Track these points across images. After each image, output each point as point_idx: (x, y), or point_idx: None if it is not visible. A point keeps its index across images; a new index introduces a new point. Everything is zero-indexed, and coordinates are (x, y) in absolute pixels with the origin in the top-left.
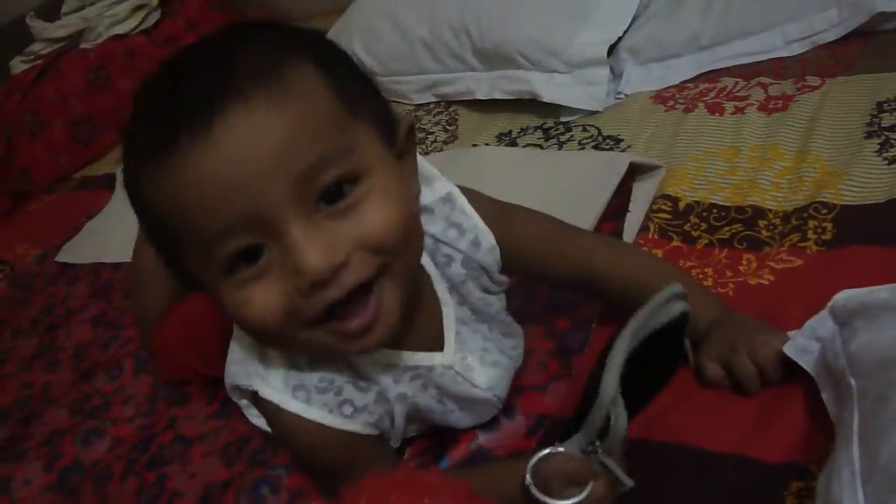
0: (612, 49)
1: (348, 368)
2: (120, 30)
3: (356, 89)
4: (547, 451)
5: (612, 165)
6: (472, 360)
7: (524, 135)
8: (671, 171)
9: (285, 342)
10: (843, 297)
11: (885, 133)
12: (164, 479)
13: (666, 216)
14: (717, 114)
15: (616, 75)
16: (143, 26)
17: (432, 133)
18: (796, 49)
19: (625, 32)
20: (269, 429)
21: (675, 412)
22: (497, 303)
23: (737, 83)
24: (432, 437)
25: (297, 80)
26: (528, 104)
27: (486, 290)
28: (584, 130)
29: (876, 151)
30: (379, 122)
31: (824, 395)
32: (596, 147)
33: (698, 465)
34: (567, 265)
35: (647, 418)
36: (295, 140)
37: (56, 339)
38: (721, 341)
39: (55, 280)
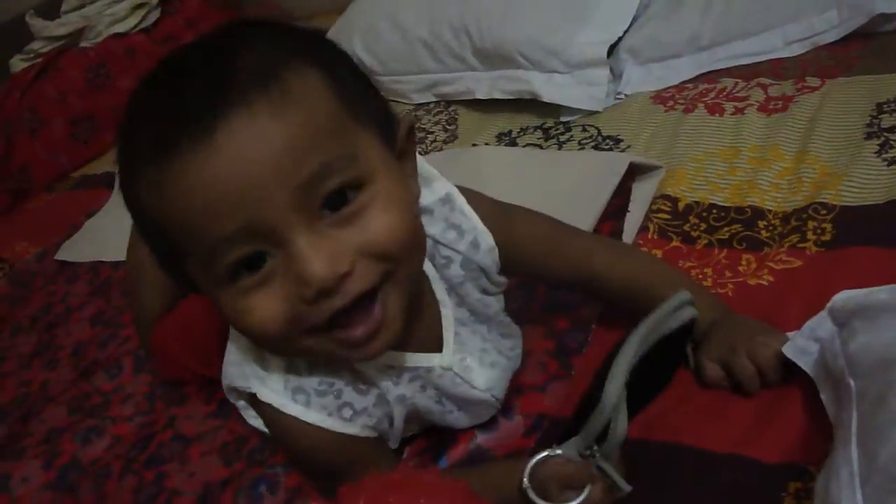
0: (611, 49)
1: (347, 371)
2: (120, 28)
3: (357, 91)
4: (545, 453)
5: (612, 165)
6: (471, 361)
7: (524, 135)
8: (671, 172)
9: (287, 349)
10: (843, 297)
11: (885, 134)
12: (162, 477)
13: (665, 216)
14: (717, 114)
15: (616, 75)
16: (143, 25)
17: (432, 133)
18: (796, 50)
19: (625, 33)
20: (266, 430)
21: (674, 412)
22: (495, 304)
23: (736, 84)
24: (431, 437)
25: (299, 83)
26: (528, 104)
27: (485, 292)
28: (584, 130)
29: (875, 152)
30: (380, 123)
31: (823, 396)
32: (596, 147)
33: (697, 465)
34: (566, 266)
35: (647, 418)
36: (298, 146)
37: (55, 337)
38: (721, 342)
39: (54, 278)
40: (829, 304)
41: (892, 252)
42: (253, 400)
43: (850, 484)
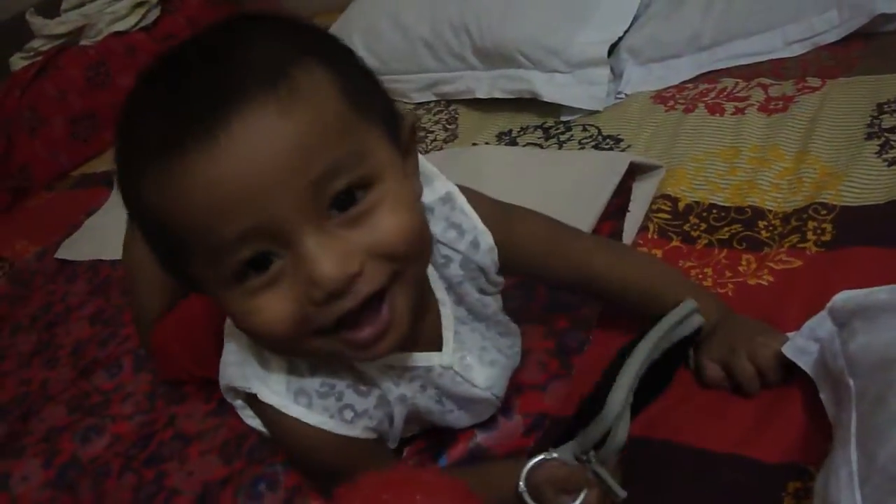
0: (612, 49)
1: (348, 371)
2: (120, 27)
3: (364, 88)
4: (541, 457)
5: (612, 165)
6: (471, 359)
7: (524, 134)
8: (671, 172)
9: (293, 349)
10: (842, 298)
11: (886, 134)
12: (162, 476)
13: (665, 216)
14: (718, 114)
15: (616, 75)
16: (144, 23)
17: (432, 132)
18: (797, 50)
19: (625, 32)
20: (264, 430)
21: (675, 412)
22: (493, 303)
23: (737, 84)
24: (430, 436)
25: (307, 80)
26: (529, 103)
27: (483, 292)
28: (585, 130)
29: (876, 153)
30: (386, 121)
31: (823, 396)
32: (596, 147)
33: (697, 465)
34: (566, 266)
35: (647, 418)
36: (307, 145)
37: (55, 336)
38: (721, 342)
39: (54, 277)
40: (828, 305)
41: (892, 252)
42: (251, 400)
43: (849, 484)
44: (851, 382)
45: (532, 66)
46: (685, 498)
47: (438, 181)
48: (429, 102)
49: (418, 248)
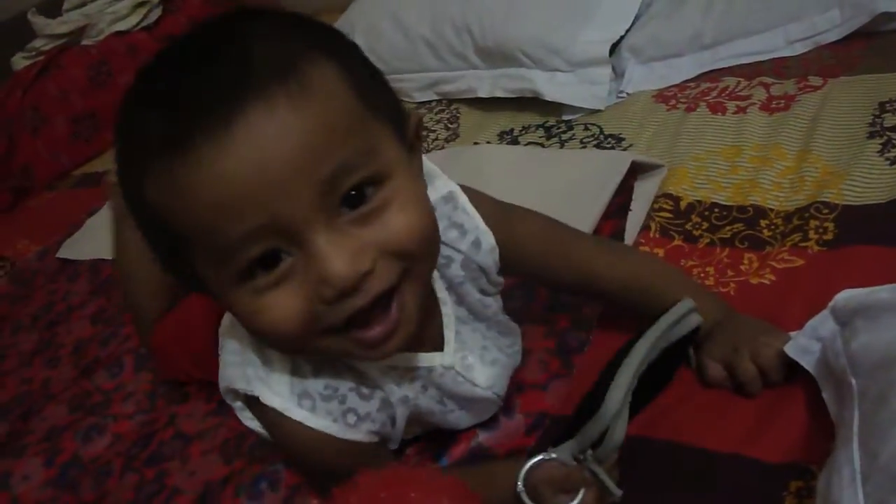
0: (614, 48)
1: (349, 373)
2: (121, 26)
3: (372, 84)
4: (539, 457)
5: (614, 164)
6: (472, 359)
7: (526, 133)
8: (673, 171)
9: (300, 349)
10: (844, 297)
11: (888, 133)
12: (163, 475)
13: (667, 215)
14: (719, 113)
15: (618, 74)
16: (145, 23)
17: (434, 131)
18: (798, 49)
19: (627, 31)
20: (263, 431)
21: (676, 412)
22: (494, 304)
23: (739, 83)
24: (432, 436)
25: (318, 75)
26: (530, 102)
27: (484, 292)
28: (586, 129)
29: (878, 152)
30: (393, 118)
31: (825, 395)
32: (597, 146)
33: (698, 465)
34: (566, 266)
35: (648, 417)
36: (318, 142)
37: (56, 335)
38: (723, 342)
39: (55, 276)
40: (830, 304)
41: (894, 251)
42: (251, 401)
43: (851, 483)
44: (853, 381)
45: (534, 66)
46: (686, 498)
47: (440, 180)
48: (430, 101)
49: (429, 245)
